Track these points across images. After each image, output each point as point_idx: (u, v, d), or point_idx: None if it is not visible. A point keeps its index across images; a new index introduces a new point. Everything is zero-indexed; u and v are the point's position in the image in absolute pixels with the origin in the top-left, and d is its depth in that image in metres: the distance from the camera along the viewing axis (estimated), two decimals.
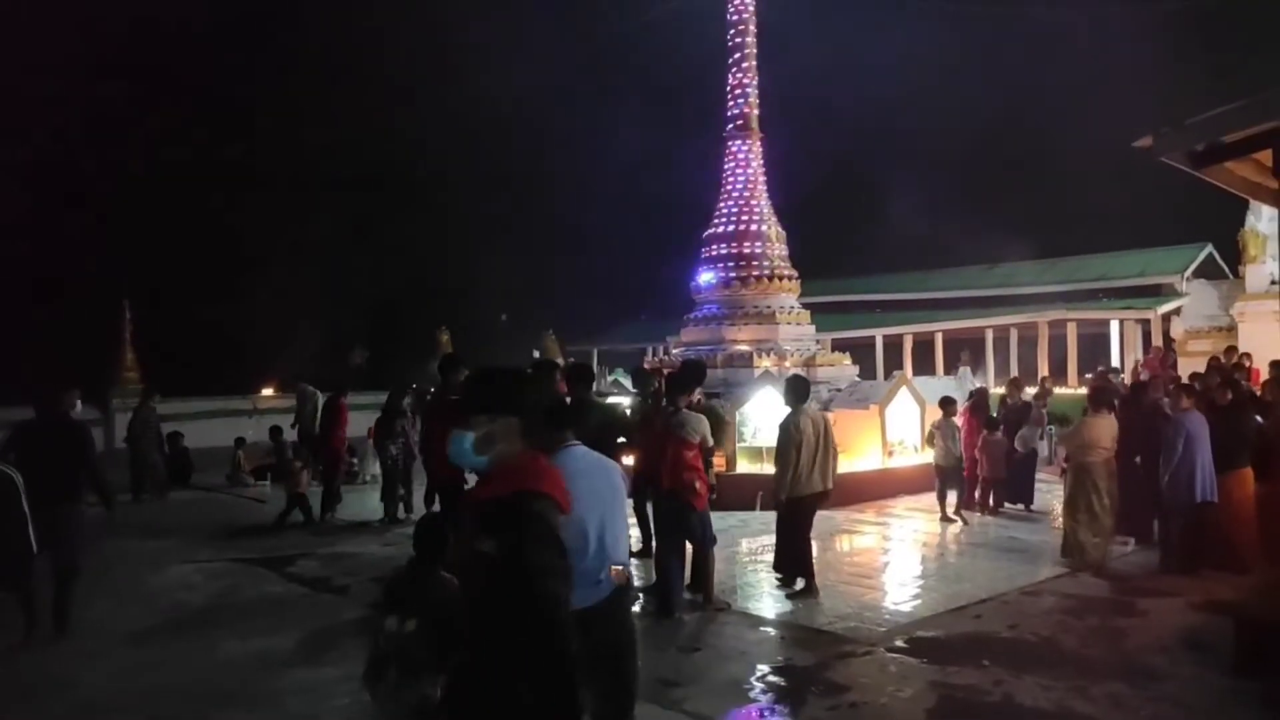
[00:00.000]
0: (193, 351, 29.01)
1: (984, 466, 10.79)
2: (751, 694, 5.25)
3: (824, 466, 7.33)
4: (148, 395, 14.37)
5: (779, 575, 7.59)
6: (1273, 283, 17.59)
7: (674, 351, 15.58)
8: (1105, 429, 8.25)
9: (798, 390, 7.46)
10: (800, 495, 7.24)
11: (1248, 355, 13.33)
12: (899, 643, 6.08)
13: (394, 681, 3.49)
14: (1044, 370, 20.87)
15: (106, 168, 33.50)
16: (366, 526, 10.84)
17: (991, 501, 10.91)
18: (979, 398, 11.54)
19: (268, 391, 24.49)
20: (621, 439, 7.68)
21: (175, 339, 30.15)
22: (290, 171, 37.79)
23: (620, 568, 3.55)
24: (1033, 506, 10.98)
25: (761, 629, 6.57)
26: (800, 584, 7.28)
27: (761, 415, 11.99)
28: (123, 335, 23.65)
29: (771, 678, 5.50)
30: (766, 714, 4.98)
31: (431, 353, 33.19)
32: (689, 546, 7.00)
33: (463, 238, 41.56)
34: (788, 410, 7.47)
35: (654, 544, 7.35)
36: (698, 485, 6.76)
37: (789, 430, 7.25)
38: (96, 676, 5.61)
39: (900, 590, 7.66)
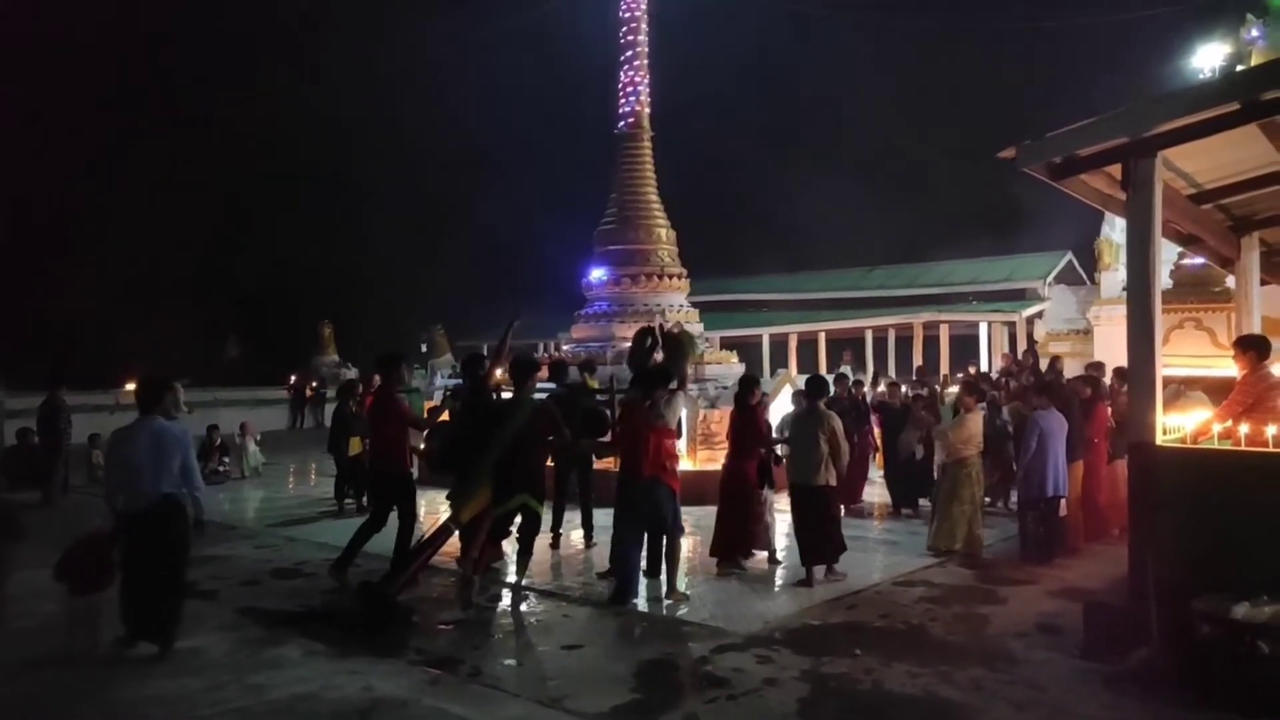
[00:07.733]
0: (47, 344, 27.16)
1: None
2: (632, 689, 5.28)
3: None
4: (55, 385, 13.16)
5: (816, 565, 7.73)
6: (1124, 289, 18.75)
7: (565, 347, 15.51)
8: (980, 424, 8.84)
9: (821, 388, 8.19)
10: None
11: (1058, 358, 14.26)
12: (777, 635, 6.23)
13: None
14: (919, 369, 21.70)
15: None
16: (237, 529, 10.40)
17: None
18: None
19: (131, 386, 23.15)
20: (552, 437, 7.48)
21: (28, 331, 28.20)
22: (159, 160, 35.77)
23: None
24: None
25: (643, 624, 6.62)
26: (837, 566, 7.75)
27: None
28: None
29: (652, 673, 5.55)
30: (646, 710, 5.01)
31: (315, 346, 32.09)
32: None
33: (347, 232, 40.39)
34: (817, 401, 7.99)
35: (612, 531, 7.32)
36: (675, 468, 7.25)
37: (831, 420, 7.78)
38: None
39: (780, 583, 7.84)
